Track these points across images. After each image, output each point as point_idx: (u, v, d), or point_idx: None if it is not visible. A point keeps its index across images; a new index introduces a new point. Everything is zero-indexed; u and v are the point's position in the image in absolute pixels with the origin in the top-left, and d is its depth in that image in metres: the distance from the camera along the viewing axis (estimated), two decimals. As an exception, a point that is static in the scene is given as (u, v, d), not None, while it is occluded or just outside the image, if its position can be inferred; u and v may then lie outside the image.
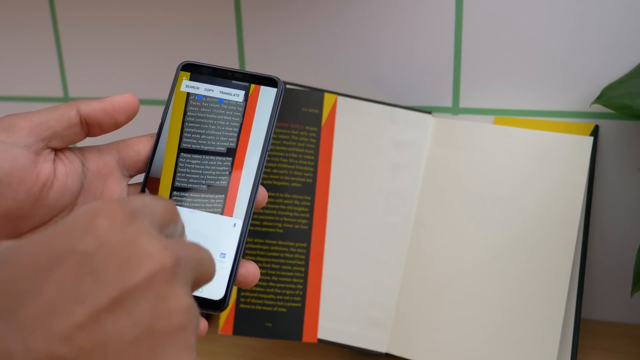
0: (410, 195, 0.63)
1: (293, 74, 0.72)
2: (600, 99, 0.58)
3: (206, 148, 0.37)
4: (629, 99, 0.57)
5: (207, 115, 0.38)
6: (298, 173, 0.62)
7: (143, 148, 0.38)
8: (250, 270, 0.35)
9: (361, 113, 0.64)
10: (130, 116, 0.37)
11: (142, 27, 0.76)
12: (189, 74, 0.39)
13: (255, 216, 0.62)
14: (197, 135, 0.38)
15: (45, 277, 0.21)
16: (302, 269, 0.62)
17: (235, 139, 0.38)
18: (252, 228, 0.62)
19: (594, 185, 0.67)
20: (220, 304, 0.34)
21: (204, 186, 0.37)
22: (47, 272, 0.22)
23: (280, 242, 0.62)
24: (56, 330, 0.21)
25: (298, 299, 0.62)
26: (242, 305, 0.61)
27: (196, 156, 0.37)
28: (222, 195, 0.36)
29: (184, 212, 0.36)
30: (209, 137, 0.37)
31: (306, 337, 0.61)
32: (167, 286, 0.23)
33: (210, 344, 0.67)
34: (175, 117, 0.38)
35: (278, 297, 0.61)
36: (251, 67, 0.73)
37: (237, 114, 0.38)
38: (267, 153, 0.38)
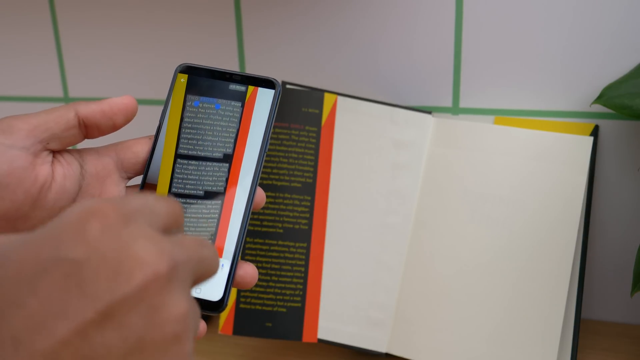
0: (410, 195, 0.63)
1: (293, 74, 0.72)
2: (600, 99, 0.58)
3: (203, 153, 0.37)
4: (629, 99, 0.57)
5: (205, 118, 0.38)
6: (298, 173, 0.62)
7: (141, 150, 0.38)
8: (249, 272, 0.35)
9: (361, 113, 0.64)
10: (128, 118, 0.37)
11: (142, 27, 0.76)
12: (186, 76, 0.39)
13: (255, 216, 0.62)
14: (195, 139, 0.38)
15: (30, 289, 0.21)
16: (302, 269, 0.62)
17: (232, 141, 0.38)
18: (252, 228, 0.62)
19: (594, 185, 0.67)
20: (218, 306, 0.34)
21: (201, 192, 0.37)
22: (32, 284, 0.21)
23: (280, 242, 0.62)
24: (39, 347, 0.20)
25: (298, 299, 0.62)
26: (242, 305, 0.61)
27: (192, 161, 0.37)
28: (218, 206, 0.36)
29: None
30: (207, 140, 0.38)
31: (306, 337, 0.61)
32: (160, 296, 0.22)
33: (210, 344, 0.67)
34: (172, 119, 0.38)
35: (278, 297, 0.62)
36: (251, 67, 0.73)
37: (234, 115, 0.38)
38: (265, 154, 0.38)
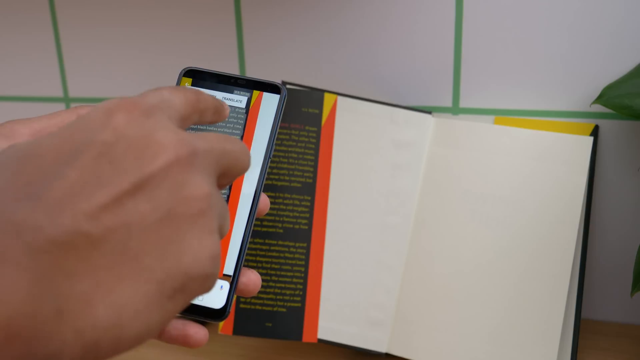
0: (410, 195, 0.63)
1: (293, 74, 0.72)
2: (600, 99, 0.58)
3: None
4: (629, 99, 0.57)
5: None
6: (298, 173, 0.62)
7: None
8: (252, 279, 0.35)
9: (361, 113, 0.64)
10: None
11: (142, 27, 0.76)
12: (190, 79, 0.38)
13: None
14: None
15: (68, 164, 0.22)
16: (302, 269, 0.62)
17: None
18: (252, 228, 0.62)
19: (594, 185, 0.67)
20: (220, 314, 0.34)
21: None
22: (69, 161, 0.22)
23: (280, 242, 0.62)
24: (82, 209, 0.22)
25: (298, 299, 0.62)
26: (242, 305, 0.61)
27: None
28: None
29: None
30: None
31: (306, 337, 0.61)
32: (183, 175, 0.24)
33: (210, 344, 0.67)
34: None
35: (278, 297, 0.62)
36: (251, 67, 0.73)
37: (239, 120, 0.38)
38: (270, 160, 0.38)
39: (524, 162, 0.61)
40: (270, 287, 0.62)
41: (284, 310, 0.61)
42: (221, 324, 0.61)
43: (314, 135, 0.63)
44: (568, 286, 0.58)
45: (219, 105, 0.31)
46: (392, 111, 0.63)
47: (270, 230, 0.62)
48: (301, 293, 0.62)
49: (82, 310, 0.21)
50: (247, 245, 0.39)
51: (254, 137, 0.37)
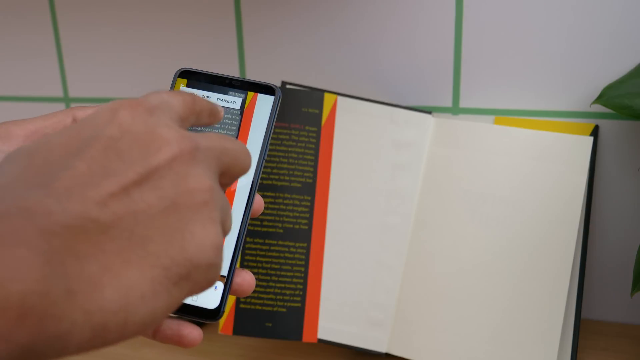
0: (410, 195, 0.63)
1: (293, 74, 0.72)
2: (600, 99, 0.58)
3: None
4: (629, 99, 0.57)
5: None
6: (298, 173, 0.62)
7: None
8: (246, 279, 0.35)
9: (361, 113, 0.64)
10: None
11: (142, 27, 0.76)
12: (185, 80, 0.38)
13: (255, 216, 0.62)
14: None
15: (77, 157, 0.23)
16: (302, 269, 0.62)
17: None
18: (252, 228, 0.62)
19: (594, 185, 0.67)
20: (215, 314, 0.34)
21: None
22: (77, 153, 0.24)
23: (280, 242, 0.62)
24: (90, 197, 0.23)
25: (298, 299, 0.62)
26: (242, 305, 0.61)
27: None
28: None
29: None
30: None
31: (306, 337, 0.61)
32: (187, 168, 0.25)
33: (210, 344, 0.67)
34: None
35: (278, 297, 0.62)
36: (251, 68, 0.73)
37: (234, 122, 0.38)
38: (265, 160, 0.38)
39: (524, 162, 0.61)
40: (270, 287, 0.62)
41: (284, 310, 0.61)
42: (221, 324, 0.61)
43: (314, 135, 0.63)
44: (568, 286, 0.58)
45: (213, 108, 0.32)
46: (392, 111, 0.63)
47: (270, 230, 0.62)
48: (301, 293, 0.62)
49: (91, 292, 0.21)
50: (242, 246, 0.39)
51: (248, 138, 0.37)
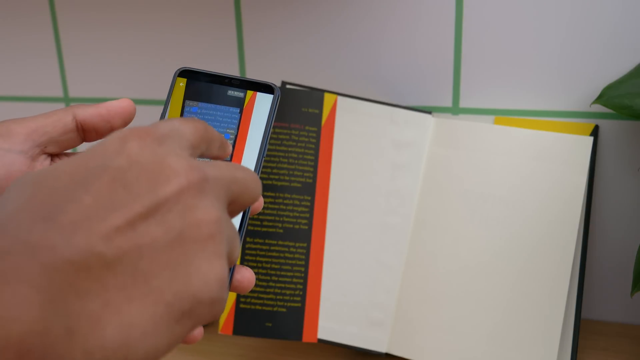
0: (410, 195, 0.63)
1: (293, 74, 0.72)
2: (600, 99, 0.58)
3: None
4: (629, 99, 0.57)
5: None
6: (298, 173, 0.62)
7: None
8: (246, 276, 0.35)
9: (361, 113, 0.64)
10: (126, 121, 0.37)
11: (142, 27, 0.76)
12: (185, 80, 0.39)
13: (255, 216, 0.62)
14: None
15: (83, 189, 0.23)
16: (302, 269, 0.62)
17: (231, 147, 0.38)
18: (252, 228, 0.62)
19: (594, 185, 0.67)
20: None
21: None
22: (84, 185, 0.23)
23: (280, 242, 0.62)
24: (96, 231, 0.22)
25: (298, 299, 0.62)
26: (242, 305, 0.61)
27: None
28: None
29: None
30: None
31: (306, 337, 0.61)
32: (194, 200, 0.25)
33: (210, 344, 0.67)
34: None
35: (278, 297, 0.62)
36: (251, 67, 0.73)
37: (233, 120, 0.38)
38: (264, 159, 0.38)
39: (523, 162, 0.61)
40: (270, 287, 0.62)
41: (284, 310, 0.61)
42: (221, 324, 0.61)
43: (314, 135, 0.63)
44: (568, 286, 0.58)
45: (224, 140, 0.32)
46: (392, 111, 0.63)
47: (270, 230, 0.62)
48: (301, 293, 0.62)
49: (92, 330, 0.21)
50: (242, 244, 0.40)
51: (247, 137, 0.38)
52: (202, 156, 0.30)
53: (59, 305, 0.20)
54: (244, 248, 0.62)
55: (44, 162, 0.35)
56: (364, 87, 0.71)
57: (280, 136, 0.62)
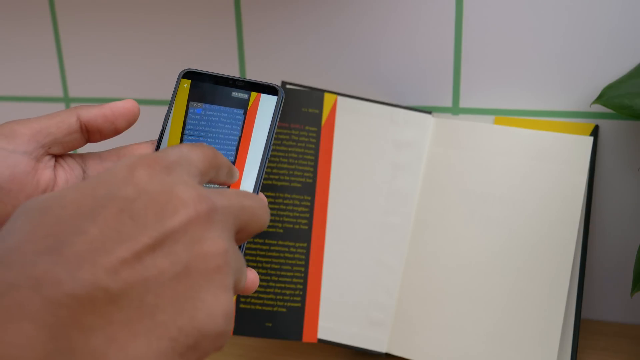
0: (410, 195, 0.63)
1: (293, 74, 0.72)
2: (600, 99, 0.58)
3: None
4: (629, 99, 0.57)
5: (208, 124, 0.38)
6: (298, 173, 0.62)
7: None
8: (250, 277, 0.35)
9: (361, 113, 0.64)
10: (130, 122, 0.37)
11: (142, 27, 0.76)
12: (189, 81, 0.39)
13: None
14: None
15: (89, 219, 0.23)
16: (302, 269, 0.62)
17: (235, 148, 0.38)
18: (252, 228, 0.62)
19: (594, 185, 0.67)
20: None
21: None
22: (91, 216, 0.23)
23: (280, 242, 0.62)
24: (101, 264, 0.22)
25: (298, 299, 0.62)
26: (242, 305, 0.62)
27: None
28: None
29: None
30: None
31: (306, 337, 0.61)
32: (202, 231, 0.25)
33: (210, 344, 0.67)
34: (175, 125, 0.38)
35: (278, 297, 0.62)
36: (251, 68, 0.73)
37: (237, 122, 0.38)
38: (268, 160, 0.38)
39: (523, 162, 0.61)
40: (270, 287, 0.62)
41: (284, 310, 0.61)
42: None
43: (314, 135, 0.63)
44: (568, 286, 0.58)
45: (231, 166, 0.32)
46: (392, 111, 0.63)
47: (270, 230, 0.62)
48: (301, 293, 0.62)
49: None
50: (246, 244, 0.40)
51: (251, 138, 0.38)
52: (210, 182, 0.30)
53: (63, 342, 0.20)
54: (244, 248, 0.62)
55: (48, 163, 0.35)
56: (364, 87, 0.71)
57: (280, 136, 0.62)
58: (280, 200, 0.62)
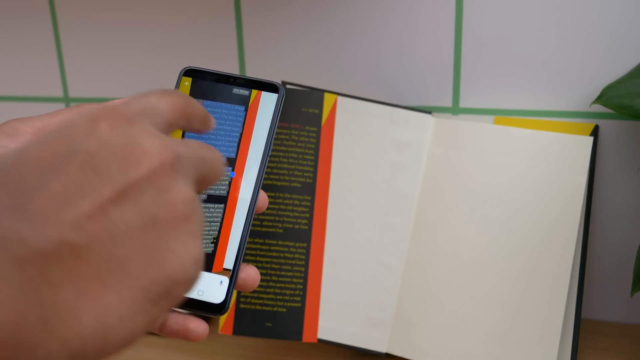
0: (410, 195, 0.63)
1: (293, 74, 0.72)
2: (600, 99, 0.58)
3: None
4: (629, 99, 0.57)
5: None
6: (298, 173, 0.62)
7: None
8: (251, 274, 0.35)
9: (361, 113, 0.64)
10: None
11: (142, 27, 0.76)
12: (190, 79, 0.39)
13: (256, 216, 0.62)
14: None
15: (52, 175, 0.23)
16: (302, 269, 0.62)
17: (236, 145, 0.38)
18: (252, 228, 0.62)
19: (594, 185, 0.67)
20: (220, 308, 0.35)
21: (204, 195, 0.37)
22: (53, 171, 0.23)
23: (280, 242, 0.62)
24: (66, 219, 0.22)
25: (298, 299, 0.62)
26: (242, 305, 0.62)
27: None
28: (220, 210, 0.37)
29: None
30: (210, 143, 0.38)
31: (306, 337, 0.61)
32: (167, 180, 0.25)
33: (210, 344, 0.67)
34: None
35: (278, 297, 0.62)
36: (251, 68, 0.73)
37: (238, 119, 0.38)
38: (268, 159, 0.38)
39: (523, 162, 0.61)
40: (270, 287, 0.62)
41: (284, 310, 0.61)
42: (221, 324, 0.61)
43: (314, 135, 0.63)
44: (568, 286, 0.58)
45: (207, 115, 0.32)
46: (392, 111, 0.63)
47: (270, 230, 0.62)
48: (301, 293, 0.62)
49: (67, 319, 0.21)
50: (247, 242, 0.40)
51: (252, 136, 0.38)
52: (183, 129, 0.30)
53: (32, 297, 0.20)
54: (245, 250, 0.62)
55: None
56: (364, 87, 0.71)
57: (280, 136, 0.62)
58: (280, 200, 0.62)
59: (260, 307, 0.61)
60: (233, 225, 0.36)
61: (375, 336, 0.62)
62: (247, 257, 0.62)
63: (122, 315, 0.23)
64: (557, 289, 0.58)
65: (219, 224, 0.36)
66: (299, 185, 0.62)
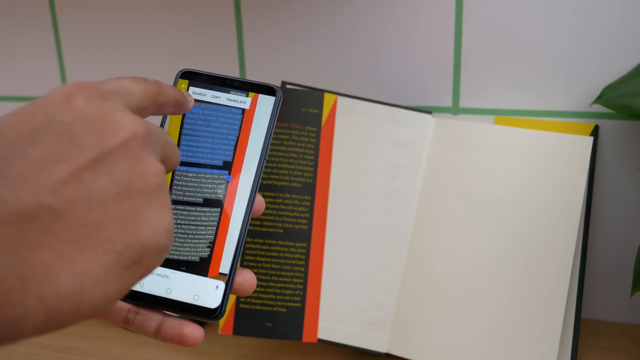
0: (410, 195, 0.63)
1: (293, 74, 0.72)
2: (600, 99, 0.58)
3: (203, 160, 0.37)
4: (629, 99, 0.57)
5: (205, 124, 0.38)
6: (298, 173, 0.62)
7: None
8: (247, 279, 0.35)
9: (361, 113, 0.64)
10: None
11: (142, 27, 0.76)
12: (187, 81, 0.39)
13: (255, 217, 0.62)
14: (195, 146, 0.37)
15: (30, 143, 0.24)
16: (302, 269, 0.62)
17: (232, 149, 0.38)
18: (252, 228, 0.62)
19: (594, 185, 0.67)
20: (215, 313, 0.34)
21: (200, 199, 0.37)
22: (30, 140, 0.24)
23: (280, 242, 0.62)
24: (43, 183, 0.23)
25: (298, 299, 0.62)
26: (242, 305, 0.62)
27: (192, 168, 0.37)
28: (217, 213, 0.36)
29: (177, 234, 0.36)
30: (207, 147, 0.37)
31: (306, 337, 0.61)
32: (140, 152, 0.26)
33: (210, 344, 0.67)
34: (173, 126, 0.38)
35: (278, 297, 0.62)
36: (251, 68, 0.73)
37: (234, 122, 0.38)
38: (265, 161, 0.38)
39: (523, 162, 0.61)
40: (270, 287, 0.62)
41: (284, 310, 0.61)
42: (221, 324, 0.61)
43: (314, 135, 0.63)
44: (568, 286, 0.58)
45: (181, 98, 0.33)
46: (392, 111, 0.63)
47: (270, 230, 0.62)
48: (301, 293, 0.62)
49: (45, 278, 0.22)
50: (243, 246, 0.40)
51: (249, 139, 0.38)
52: (155, 114, 0.31)
53: (11, 256, 0.21)
54: (244, 248, 0.62)
55: None
56: (364, 87, 0.71)
57: (280, 136, 0.62)
58: (280, 200, 0.62)
59: (260, 307, 0.61)
60: (229, 229, 0.36)
61: (375, 336, 0.62)
62: (247, 257, 0.62)
63: (97, 278, 0.23)
64: (557, 289, 0.58)
65: (215, 228, 0.36)
66: (299, 185, 0.62)
